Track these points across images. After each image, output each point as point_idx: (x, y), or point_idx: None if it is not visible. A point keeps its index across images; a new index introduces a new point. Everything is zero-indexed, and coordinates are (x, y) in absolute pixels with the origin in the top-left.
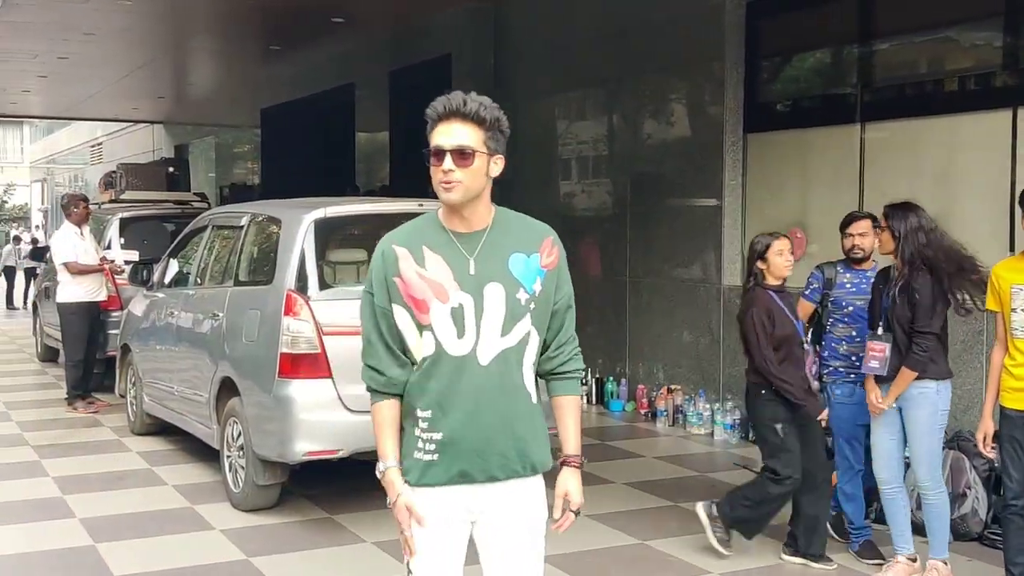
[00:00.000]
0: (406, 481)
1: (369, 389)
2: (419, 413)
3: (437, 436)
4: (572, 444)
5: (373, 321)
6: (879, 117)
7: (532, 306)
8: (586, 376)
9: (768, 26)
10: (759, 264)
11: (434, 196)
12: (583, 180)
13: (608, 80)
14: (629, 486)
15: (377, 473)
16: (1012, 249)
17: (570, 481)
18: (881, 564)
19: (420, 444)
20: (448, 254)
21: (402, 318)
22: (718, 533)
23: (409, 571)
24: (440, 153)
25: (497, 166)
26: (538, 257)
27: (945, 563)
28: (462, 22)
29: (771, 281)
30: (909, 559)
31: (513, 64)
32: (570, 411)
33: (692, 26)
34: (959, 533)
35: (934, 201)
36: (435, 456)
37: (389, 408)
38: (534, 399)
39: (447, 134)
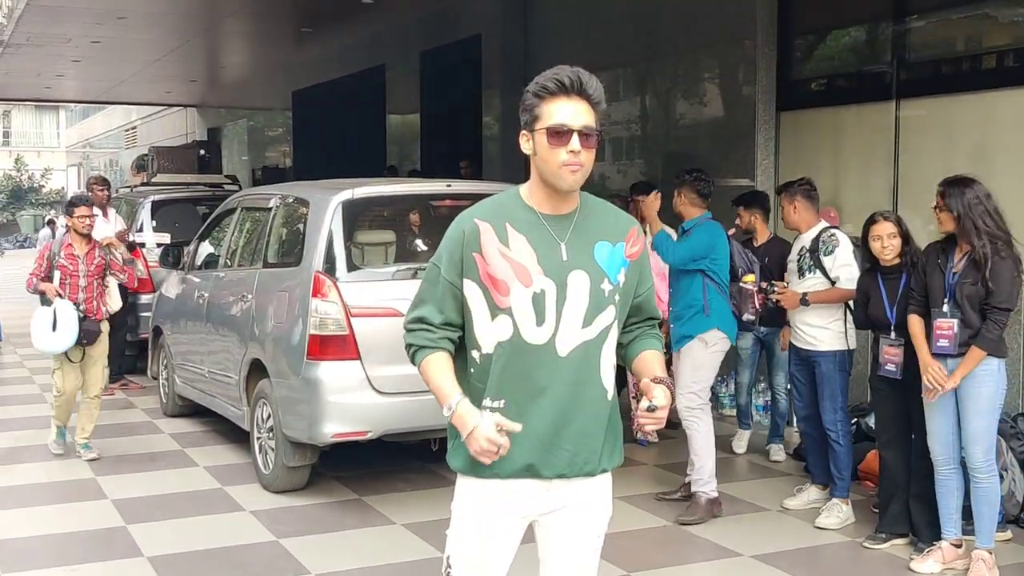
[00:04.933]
0: (456, 469)
1: (415, 351)
2: (488, 403)
3: None
4: (661, 371)
5: (433, 292)
6: (914, 94)
7: (616, 297)
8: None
9: (800, 2)
10: (866, 247)
11: (460, 176)
12: (616, 160)
13: (639, 59)
14: (660, 468)
15: (446, 412)
16: None
17: (659, 389)
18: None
19: None
20: (534, 236)
21: (474, 297)
22: None
23: (448, 567)
24: (565, 133)
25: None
26: (623, 247)
27: (991, 552)
28: (492, 1)
29: (883, 263)
30: (954, 544)
31: (544, 44)
32: (654, 356)
33: (724, 3)
34: None
35: None
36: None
37: (442, 357)
38: (611, 395)
39: (572, 113)
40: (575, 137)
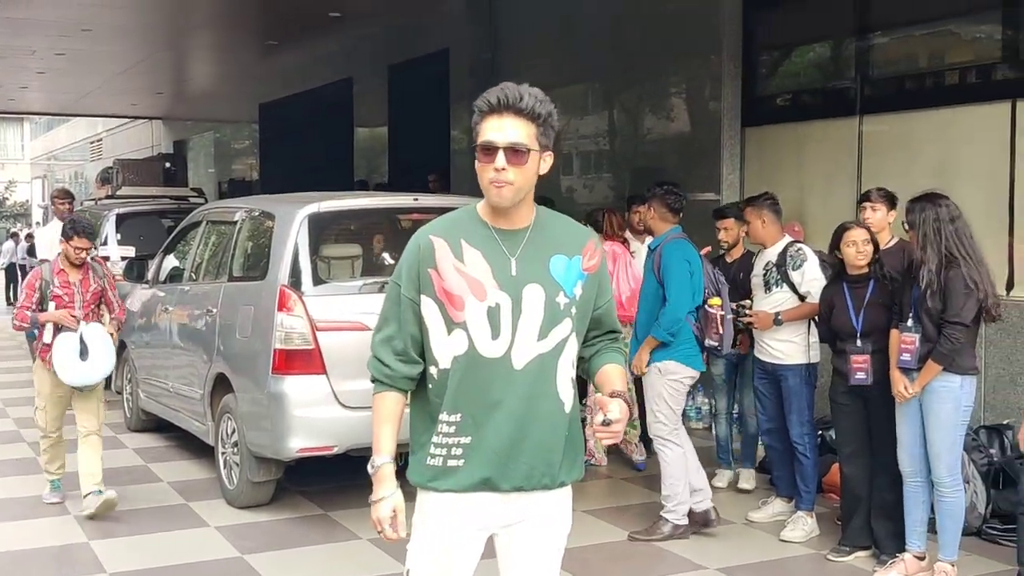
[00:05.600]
0: (415, 483)
1: (373, 380)
2: (444, 417)
3: (465, 440)
4: (621, 384)
5: (396, 311)
6: (878, 110)
7: (573, 310)
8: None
9: (765, 19)
10: (837, 253)
11: (429, 190)
12: (584, 175)
13: (607, 74)
14: (626, 481)
15: (369, 468)
16: (1011, 241)
17: (614, 404)
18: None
19: (441, 450)
20: (488, 250)
21: (431, 313)
22: None
23: None
24: (491, 150)
25: (546, 163)
26: (580, 260)
27: (953, 565)
28: (459, 16)
29: (851, 271)
30: (917, 556)
31: (511, 58)
32: (618, 371)
33: (689, 19)
34: None
35: None
36: (461, 461)
37: (393, 401)
38: (568, 408)
39: (500, 129)
40: (500, 154)
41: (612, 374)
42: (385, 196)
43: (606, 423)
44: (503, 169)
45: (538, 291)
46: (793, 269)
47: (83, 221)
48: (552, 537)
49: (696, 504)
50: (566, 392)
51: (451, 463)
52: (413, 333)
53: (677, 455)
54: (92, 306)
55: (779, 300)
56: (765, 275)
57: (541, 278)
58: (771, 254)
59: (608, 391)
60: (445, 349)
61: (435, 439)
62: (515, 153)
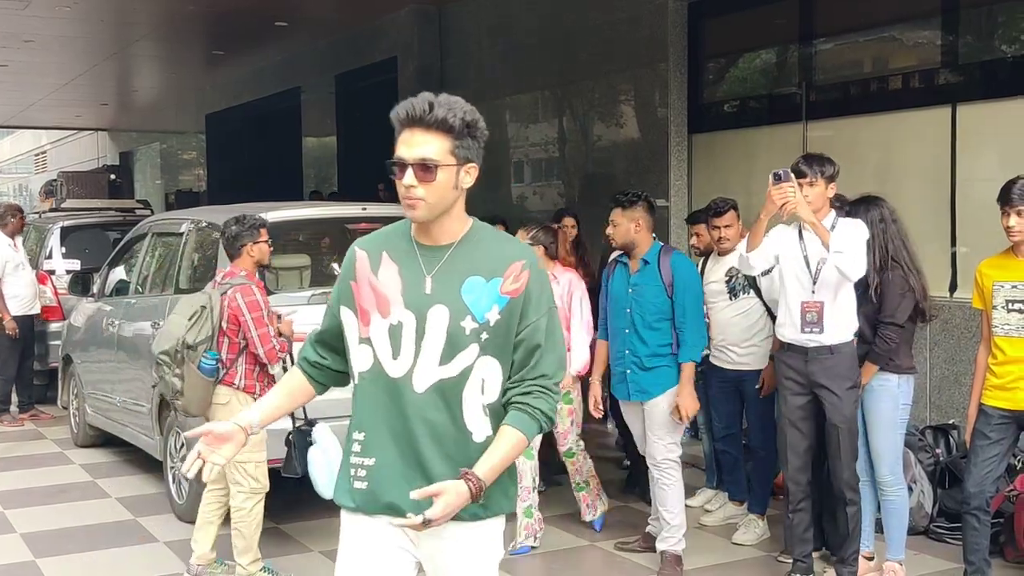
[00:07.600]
0: (335, 500)
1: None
2: (355, 435)
3: (368, 462)
4: (482, 465)
5: (326, 310)
6: (822, 115)
7: (483, 336)
8: None
9: (711, 26)
10: None
11: (378, 200)
12: (534, 182)
13: (556, 82)
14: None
15: None
16: (954, 244)
17: (449, 491)
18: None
19: (351, 468)
20: (405, 266)
21: (348, 323)
22: None
23: None
24: (402, 166)
25: (470, 176)
26: (499, 282)
27: (901, 564)
28: (407, 24)
29: None
30: (866, 557)
31: (460, 66)
32: (501, 439)
33: (636, 27)
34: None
35: None
36: (364, 484)
37: (291, 376)
38: (480, 438)
39: (409, 144)
40: (409, 171)
41: (499, 440)
42: (333, 206)
43: (426, 522)
44: (412, 187)
45: (443, 313)
46: (763, 274)
47: (251, 215)
48: (478, 565)
49: (653, 528)
50: (476, 421)
51: (356, 484)
52: (326, 335)
53: (680, 481)
54: None
55: (745, 307)
56: (729, 281)
57: (450, 300)
58: (733, 260)
59: (463, 470)
60: (355, 363)
61: (349, 457)
62: (424, 170)
